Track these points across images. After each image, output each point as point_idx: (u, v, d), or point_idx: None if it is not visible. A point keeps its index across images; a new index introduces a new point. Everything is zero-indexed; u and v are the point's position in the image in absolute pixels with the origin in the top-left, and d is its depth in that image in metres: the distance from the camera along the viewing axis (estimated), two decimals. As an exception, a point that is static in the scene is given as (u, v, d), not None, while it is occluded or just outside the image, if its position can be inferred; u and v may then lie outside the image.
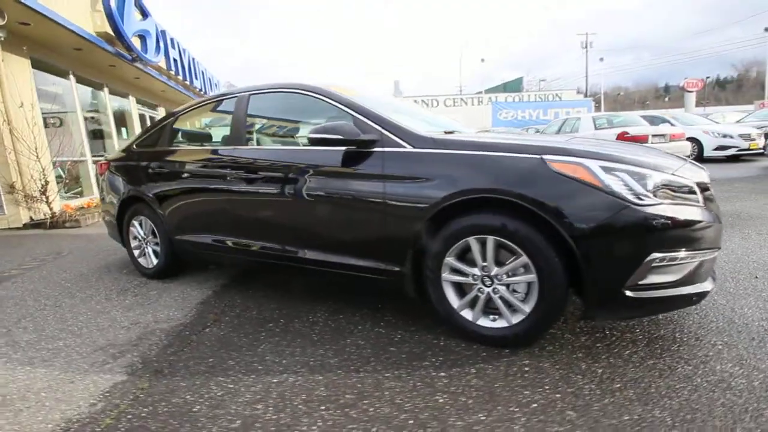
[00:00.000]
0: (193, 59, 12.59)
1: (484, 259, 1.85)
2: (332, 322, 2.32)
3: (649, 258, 1.60)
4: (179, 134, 3.33)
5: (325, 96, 2.39)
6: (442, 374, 1.73)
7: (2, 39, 5.58)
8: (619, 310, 1.72)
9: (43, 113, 6.50)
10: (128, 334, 2.33)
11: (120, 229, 3.48)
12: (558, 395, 1.55)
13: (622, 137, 8.33)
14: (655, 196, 1.64)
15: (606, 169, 1.66)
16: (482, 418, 1.45)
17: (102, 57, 7.57)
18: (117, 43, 7.56)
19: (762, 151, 9.42)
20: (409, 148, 2.03)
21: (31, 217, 6.20)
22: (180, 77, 11.25)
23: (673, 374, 1.64)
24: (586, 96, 32.67)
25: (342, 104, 2.30)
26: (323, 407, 1.56)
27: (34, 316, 2.68)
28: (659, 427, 1.35)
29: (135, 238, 3.38)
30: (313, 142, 2.16)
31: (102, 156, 8.27)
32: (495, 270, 1.84)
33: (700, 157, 9.78)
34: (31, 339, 2.33)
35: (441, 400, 1.56)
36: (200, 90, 13.37)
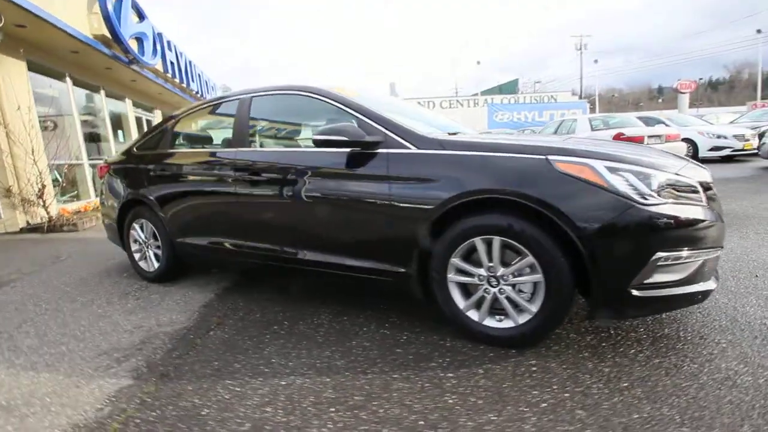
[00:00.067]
0: (190, 62, 12.56)
1: (490, 260, 1.86)
2: (337, 324, 2.32)
3: (654, 257, 1.62)
4: (181, 137, 3.32)
5: (328, 98, 2.39)
6: (450, 375, 1.73)
7: (-2, 42, 5.55)
8: (625, 309, 1.73)
9: (39, 116, 6.46)
10: (131, 338, 2.31)
11: (120, 232, 3.46)
12: (567, 394, 1.55)
13: (619, 138, 8.38)
14: (659, 195, 1.65)
15: (611, 169, 1.67)
16: (493, 418, 1.45)
17: (98, 59, 7.54)
18: (114, 46, 7.53)
19: (756, 151, 9.50)
20: (413, 150, 2.03)
21: (28, 222, 6.15)
22: (177, 80, 11.21)
23: (679, 372, 1.65)
24: (580, 98, 32.87)
25: (346, 106, 2.30)
26: (333, 409, 1.56)
27: (35, 320, 2.66)
28: (668, 424, 1.36)
29: (136, 241, 3.36)
30: (318, 143, 2.17)
31: (99, 159, 8.23)
32: (501, 270, 1.85)
33: (694, 158, 9.85)
34: (33, 344, 2.31)
35: (450, 401, 1.56)
36: (197, 93, 13.33)
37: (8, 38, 5.74)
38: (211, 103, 3.18)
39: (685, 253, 1.66)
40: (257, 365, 1.92)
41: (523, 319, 1.85)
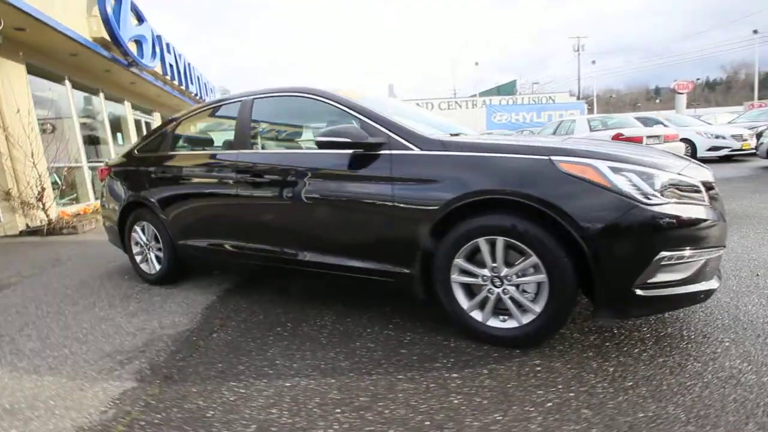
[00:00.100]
0: (189, 64, 12.57)
1: (494, 260, 1.86)
2: (340, 325, 2.32)
3: (658, 256, 1.62)
4: (182, 139, 3.32)
5: (330, 99, 2.39)
6: (455, 375, 1.74)
7: (-2, 45, 5.55)
8: (629, 308, 1.73)
9: (38, 119, 6.45)
10: (134, 340, 2.31)
11: (122, 235, 3.45)
12: (572, 394, 1.56)
13: (618, 139, 8.40)
14: (662, 195, 1.66)
15: (614, 170, 1.68)
16: (498, 417, 1.45)
17: (98, 62, 7.54)
18: (113, 48, 7.53)
19: (754, 151, 9.54)
20: (416, 151, 2.04)
21: (27, 224, 6.14)
22: (176, 82, 11.22)
23: (683, 371, 1.65)
24: (578, 98, 32.99)
25: (348, 108, 2.31)
26: (338, 410, 1.56)
27: (36, 324, 2.65)
28: (674, 423, 1.37)
29: (137, 243, 3.36)
30: (321, 145, 2.17)
31: (98, 162, 8.23)
32: (505, 271, 1.85)
33: (693, 158, 9.87)
34: (35, 347, 2.31)
35: (456, 401, 1.56)
36: (196, 95, 13.34)
37: (8, 41, 5.74)
38: (212, 106, 3.18)
39: (688, 252, 1.67)
40: (261, 367, 1.92)
41: (526, 319, 1.85)
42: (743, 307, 2.19)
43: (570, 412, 1.46)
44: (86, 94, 8.41)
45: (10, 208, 5.99)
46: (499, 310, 1.93)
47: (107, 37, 7.25)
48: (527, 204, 1.74)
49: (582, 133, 9.97)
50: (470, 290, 1.99)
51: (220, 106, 3.11)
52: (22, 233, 6.05)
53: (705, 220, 1.70)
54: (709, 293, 1.79)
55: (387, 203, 2.04)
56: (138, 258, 3.37)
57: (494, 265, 1.87)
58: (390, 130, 2.13)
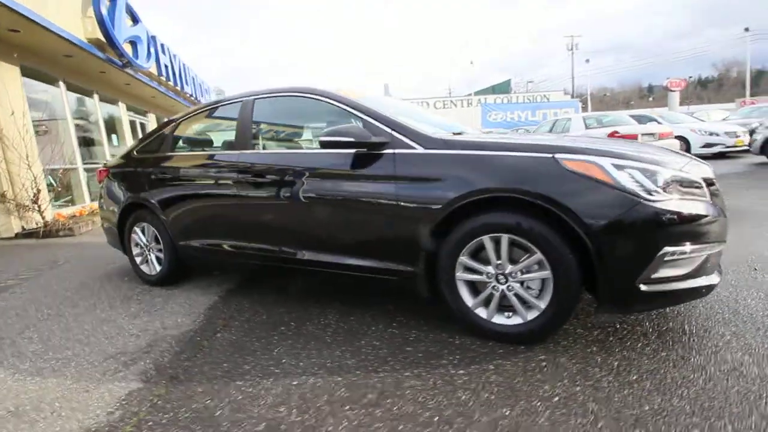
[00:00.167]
0: (184, 65, 12.51)
1: (499, 258, 1.88)
2: (344, 323, 2.32)
3: (661, 252, 1.64)
4: (182, 140, 3.31)
5: (332, 99, 2.40)
6: (461, 371, 1.75)
7: (-9, 46, 5.50)
8: (632, 303, 1.75)
9: (33, 121, 6.40)
10: (138, 341, 2.30)
11: (121, 236, 3.44)
12: (578, 388, 1.57)
13: (613, 136, 8.46)
14: (665, 191, 1.68)
15: (618, 167, 1.70)
16: (506, 412, 1.47)
17: (92, 63, 7.48)
18: (108, 50, 7.47)
19: (747, 148, 9.65)
20: (420, 150, 2.05)
21: (23, 227, 6.09)
22: (171, 83, 11.17)
23: (686, 364, 1.68)
24: (572, 97, 33.14)
25: (351, 107, 2.31)
26: (347, 407, 1.56)
27: (37, 326, 2.63)
28: (680, 415, 1.39)
29: (137, 245, 3.35)
30: (324, 145, 2.17)
31: (93, 163, 8.17)
32: (509, 268, 1.87)
33: (687, 155, 9.96)
34: (37, 349, 2.30)
35: (464, 397, 1.57)
36: (191, 96, 13.27)
37: (1, 43, 5.70)
38: (212, 106, 3.18)
39: (690, 247, 1.69)
40: (267, 366, 1.92)
41: (531, 315, 1.87)
42: (743, 300, 2.22)
43: (576, 406, 1.48)
44: (81, 96, 8.34)
45: (5, 211, 5.93)
46: (504, 306, 1.94)
47: (102, 38, 7.20)
48: (532, 201, 1.75)
49: (578, 131, 10.04)
50: (475, 288, 2.00)
51: (221, 106, 3.10)
52: (17, 236, 6.00)
53: (706, 216, 1.72)
54: (710, 288, 1.81)
55: (391, 202, 2.05)
56: (138, 259, 3.36)
57: (499, 262, 1.88)
58: (393, 130, 2.14)
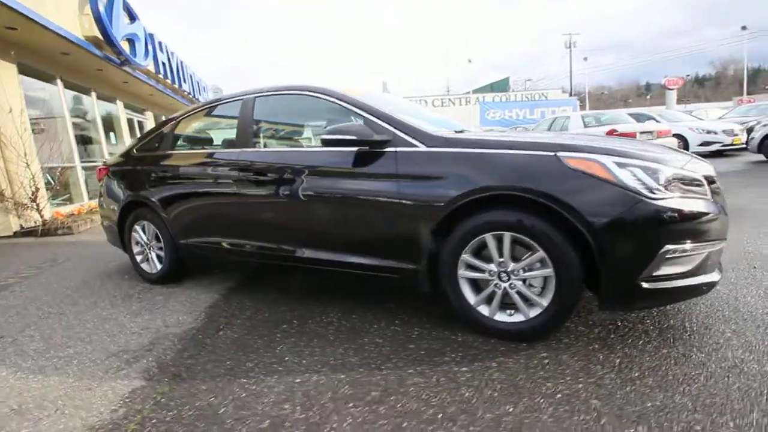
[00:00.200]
0: (181, 62, 12.46)
1: (501, 255, 1.88)
2: (346, 321, 2.33)
3: (663, 250, 1.65)
4: (182, 138, 3.30)
5: (334, 97, 2.40)
6: (464, 369, 1.75)
7: (-11, 44, 5.47)
8: (634, 301, 1.76)
9: (30, 119, 6.37)
10: (140, 339, 2.30)
11: (121, 234, 3.43)
12: (580, 385, 1.58)
13: (612, 134, 8.48)
14: (666, 189, 1.69)
15: (620, 165, 1.70)
16: (510, 409, 1.48)
17: (90, 61, 7.45)
18: (105, 47, 7.44)
19: (745, 146, 9.69)
20: (422, 148, 2.05)
21: (21, 225, 6.07)
22: (168, 81, 11.12)
23: (688, 362, 1.69)
24: (570, 95, 33.20)
25: (352, 105, 2.31)
26: (351, 404, 1.57)
27: (38, 324, 2.63)
28: (682, 411, 1.40)
29: (137, 243, 3.34)
30: (326, 143, 2.17)
31: (91, 161, 8.14)
32: (511, 265, 1.88)
33: (685, 153, 9.99)
34: (39, 348, 2.29)
35: (467, 394, 1.58)
36: (189, 93, 13.23)
37: (-1, 40, 5.66)
38: (213, 104, 3.17)
39: (691, 245, 1.70)
40: (270, 364, 1.92)
41: (533, 312, 1.87)
42: (743, 298, 2.24)
43: (579, 402, 1.49)
44: (78, 94, 8.30)
45: (3, 209, 5.91)
46: (506, 304, 1.95)
47: (99, 36, 7.16)
48: (534, 199, 1.76)
49: (576, 129, 10.06)
50: (477, 285, 2.01)
51: (221, 104, 3.09)
52: (16, 234, 5.98)
53: (708, 214, 1.73)
54: (711, 285, 1.82)
55: (393, 200, 2.05)
56: (139, 257, 3.35)
57: (501, 260, 1.89)
58: (395, 128, 2.14)
